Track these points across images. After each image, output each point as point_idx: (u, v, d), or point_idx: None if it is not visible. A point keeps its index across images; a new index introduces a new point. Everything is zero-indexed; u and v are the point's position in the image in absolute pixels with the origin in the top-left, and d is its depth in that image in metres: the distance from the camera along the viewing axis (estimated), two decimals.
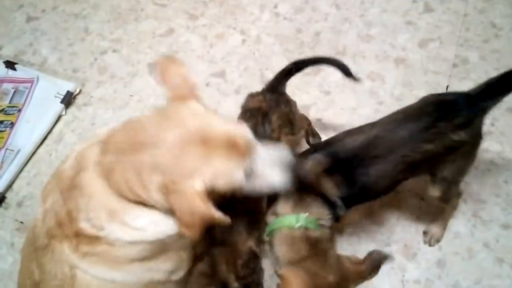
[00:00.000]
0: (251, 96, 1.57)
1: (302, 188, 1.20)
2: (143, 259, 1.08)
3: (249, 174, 1.04)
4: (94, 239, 1.03)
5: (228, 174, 1.00)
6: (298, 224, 1.16)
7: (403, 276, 1.59)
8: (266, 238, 1.25)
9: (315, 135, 1.87)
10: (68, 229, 1.04)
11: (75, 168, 1.08)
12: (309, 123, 1.83)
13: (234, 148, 1.00)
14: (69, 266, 1.05)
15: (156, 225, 1.05)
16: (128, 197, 1.01)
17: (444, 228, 1.63)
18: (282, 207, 1.21)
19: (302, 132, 1.76)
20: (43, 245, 1.07)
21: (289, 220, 1.17)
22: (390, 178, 1.25)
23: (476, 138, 1.28)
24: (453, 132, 1.19)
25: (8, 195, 1.92)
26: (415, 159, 1.21)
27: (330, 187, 1.20)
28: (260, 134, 1.39)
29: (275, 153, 1.13)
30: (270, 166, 1.10)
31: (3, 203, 1.89)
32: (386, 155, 1.20)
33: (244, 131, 1.05)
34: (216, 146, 0.98)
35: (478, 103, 1.22)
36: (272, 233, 1.20)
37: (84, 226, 1.03)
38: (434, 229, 1.62)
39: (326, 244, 1.17)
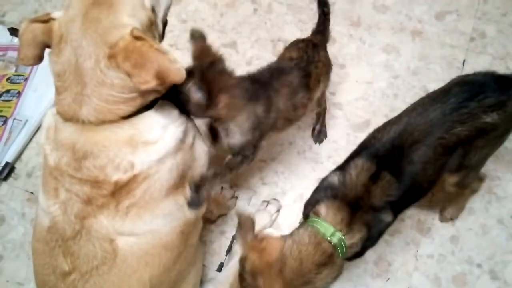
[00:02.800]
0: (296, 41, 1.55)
1: (352, 203, 1.12)
2: (175, 186, 1.12)
3: None
4: (132, 183, 1.04)
5: (138, 4, 1.03)
6: (331, 239, 1.08)
7: (417, 251, 1.60)
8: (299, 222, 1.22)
9: (322, 132, 1.83)
10: (100, 198, 1.03)
11: (66, 153, 1.05)
12: (325, 109, 1.79)
13: None
14: (109, 240, 1.05)
15: (167, 128, 1.09)
16: (125, 111, 1.03)
17: (461, 210, 1.61)
18: (326, 212, 1.12)
19: (314, 109, 1.72)
20: (74, 233, 1.06)
21: (325, 228, 1.09)
22: (433, 164, 1.18)
23: (509, 122, 1.22)
24: (485, 113, 1.15)
25: (17, 165, 1.90)
26: (450, 141, 1.16)
27: (380, 195, 1.12)
28: (305, 59, 1.42)
29: None
30: None
31: (12, 174, 1.87)
32: (423, 139, 1.15)
33: None
34: None
35: (510, 86, 1.17)
36: (306, 223, 1.14)
37: (118, 176, 1.03)
38: (451, 210, 1.60)
39: (332, 271, 1.10)
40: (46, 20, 1.03)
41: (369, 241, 1.16)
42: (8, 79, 2.05)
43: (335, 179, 1.17)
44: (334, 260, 1.08)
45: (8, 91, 2.01)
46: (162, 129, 1.08)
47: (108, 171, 1.03)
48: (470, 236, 1.60)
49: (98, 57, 0.97)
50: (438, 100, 1.19)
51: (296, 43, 1.51)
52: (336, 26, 2.09)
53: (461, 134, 1.16)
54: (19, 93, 2.01)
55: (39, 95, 2.00)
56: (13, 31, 2.15)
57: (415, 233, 1.62)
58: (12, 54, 2.11)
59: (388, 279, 1.56)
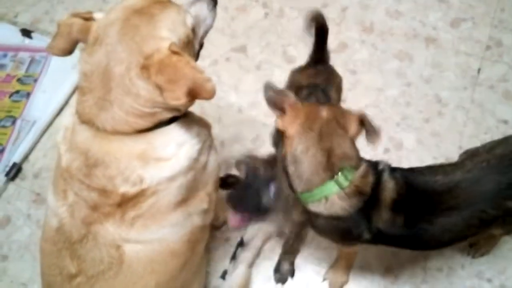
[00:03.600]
0: (299, 71, 1.49)
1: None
2: (183, 200, 1.09)
3: (193, 17, 1.09)
4: (140, 197, 1.02)
5: (179, 19, 1.03)
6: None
7: (425, 263, 1.56)
8: None
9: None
10: (106, 206, 1.02)
11: (79, 156, 1.03)
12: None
13: (165, 3, 1.05)
14: (115, 247, 1.04)
15: (182, 146, 1.07)
16: (142, 126, 1.01)
17: (494, 246, 1.53)
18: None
19: None
20: (80, 237, 1.05)
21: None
22: (454, 234, 1.10)
23: None
24: None
25: (24, 166, 1.90)
26: (492, 216, 1.06)
27: (386, 219, 1.07)
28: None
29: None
30: (200, 10, 1.15)
31: (19, 174, 1.87)
32: (462, 208, 1.06)
33: None
34: (149, 6, 1.01)
35: None
36: None
37: (126, 189, 1.01)
38: (484, 249, 1.53)
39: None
40: (88, 18, 1.03)
41: (334, 226, 1.10)
42: (18, 79, 2.05)
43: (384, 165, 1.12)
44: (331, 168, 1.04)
45: (18, 91, 2.02)
46: (178, 147, 1.06)
47: (116, 182, 1.01)
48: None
49: (130, 64, 0.96)
50: (495, 168, 1.08)
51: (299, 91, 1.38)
52: (348, 32, 2.07)
53: (510, 210, 1.06)
54: (28, 94, 2.01)
55: (48, 96, 2.00)
56: (25, 32, 2.16)
57: None
58: (23, 55, 2.12)
59: None
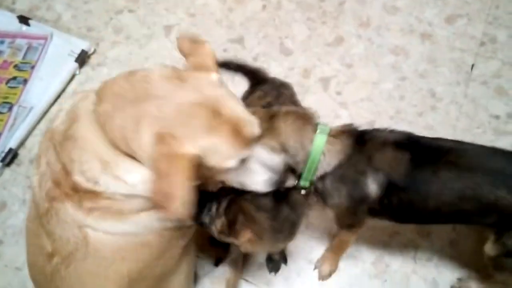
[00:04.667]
0: (246, 97, 1.47)
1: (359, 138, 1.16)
2: (149, 209, 1.05)
3: (239, 166, 1.02)
4: (94, 195, 1.00)
5: (222, 155, 0.97)
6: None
7: (416, 254, 1.58)
8: None
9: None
10: (66, 186, 1.01)
11: (67, 122, 1.04)
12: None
13: (238, 134, 0.97)
14: (77, 227, 1.02)
15: (144, 184, 1.00)
16: (120, 147, 0.98)
17: None
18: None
19: None
20: (45, 211, 1.04)
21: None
22: (453, 198, 1.10)
23: None
24: None
25: (20, 152, 1.90)
26: (485, 197, 1.08)
27: (387, 158, 1.12)
28: None
29: (269, 158, 1.12)
30: (260, 169, 1.08)
31: (15, 160, 1.88)
32: (463, 168, 1.09)
33: (254, 123, 1.02)
34: (223, 123, 0.95)
35: None
36: None
37: (79, 179, 1.00)
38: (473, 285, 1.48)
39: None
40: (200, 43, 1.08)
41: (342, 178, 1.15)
42: (15, 66, 2.06)
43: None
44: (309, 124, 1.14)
45: (14, 78, 2.02)
46: (142, 181, 1.00)
47: (74, 168, 1.00)
48: (470, 243, 1.58)
49: (159, 120, 0.93)
50: (506, 156, 1.13)
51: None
52: (345, 26, 2.09)
53: (501, 201, 1.07)
54: (25, 81, 2.02)
55: (45, 84, 2.01)
56: (23, 19, 2.16)
57: (414, 236, 1.61)
58: (21, 41, 2.12)
59: (386, 280, 1.55)
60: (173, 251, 1.20)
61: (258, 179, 1.08)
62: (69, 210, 1.01)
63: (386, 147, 1.14)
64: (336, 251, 1.54)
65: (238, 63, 1.57)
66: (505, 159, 1.12)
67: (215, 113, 0.94)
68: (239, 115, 0.98)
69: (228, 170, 1.02)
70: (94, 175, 0.99)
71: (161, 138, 0.92)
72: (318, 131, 1.13)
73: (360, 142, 1.15)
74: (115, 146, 0.99)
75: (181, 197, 0.90)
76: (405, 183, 1.12)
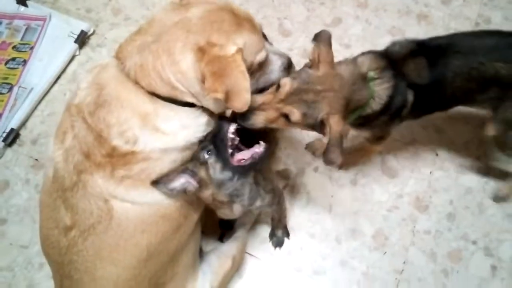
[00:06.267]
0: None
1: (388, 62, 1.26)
2: (182, 162, 1.10)
3: (266, 59, 1.13)
4: (130, 158, 1.03)
5: (256, 48, 1.07)
6: (368, 73, 1.22)
7: (414, 226, 1.63)
8: None
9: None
10: (98, 155, 1.03)
11: (94, 92, 1.05)
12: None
13: (256, 28, 1.08)
14: (103, 200, 1.04)
15: (185, 129, 1.08)
16: (160, 91, 1.03)
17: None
18: (367, 59, 1.26)
19: None
20: (71, 184, 1.05)
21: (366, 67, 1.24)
22: (463, 80, 1.27)
23: None
24: None
25: (22, 132, 1.91)
26: (488, 73, 1.24)
27: (412, 69, 1.25)
28: None
29: (276, 48, 1.23)
30: (275, 56, 1.18)
31: (17, 140, 1.89)
32: (466, 53, 1.25)
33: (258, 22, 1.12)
34: (243, 20, 1.05)
35: None
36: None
37: (118, 143, 1.02)
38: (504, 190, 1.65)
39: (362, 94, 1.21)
40: None
41: (388, 108, 1.25)
42: (14, 47, 2.05)
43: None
44: (365, 85, 1.21)
45: (14, 59, 2.02)
46: (181, 127, 1.07)
47: (112, 132, 1.02)
48: (466, 214, 1.64)
49: (192, 38, 0.99)
50: (496, 34, 1.32)
51: None
52: (343, 7, 2.11)
53: (500, 72, 1.24)
54: (24, 61, 2.01)
55: (44, 64, 2.00)
56: (20, 0, 2.15)
57: (412, 210, 1.66)
58: (19, 22, 2.11)
59: (385, 252, 1.60)
60: (187, 226, 1.23)
61: (275, 67, 1.19)
62: (98, 181, 1.03)
63: (408, 60, 1.27)
64: (357, 155, 1.67)
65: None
66: (495, 37, 1.31)
67: (234, 14, 1.04)
68: (247, 12, 1.09)
69: (260, 66, 1.12)
70: (134, 134, 1.03)
71: (201, 51, 0.97)
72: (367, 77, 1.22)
73: (393, 67, 1.25)
74: (154, 92, 1.03)
75: (246, 88, 0.99)
76: (429, 81, 1.26)
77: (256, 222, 1.67)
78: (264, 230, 1.66)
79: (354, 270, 1.58)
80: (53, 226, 1.10)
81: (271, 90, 1.15)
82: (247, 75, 0.99)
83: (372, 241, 1.62)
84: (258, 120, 1.12)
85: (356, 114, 1.23)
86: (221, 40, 0.99)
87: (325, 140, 1.13)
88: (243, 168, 1.12)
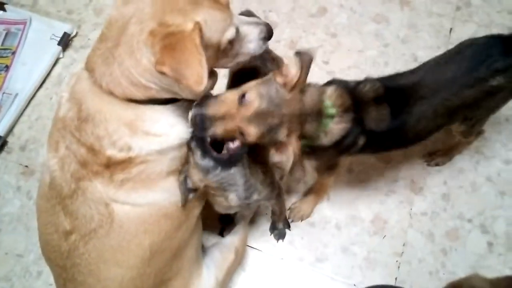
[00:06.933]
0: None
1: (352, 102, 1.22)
2: (177, 170, 1.09)
3: (237, 35, 1.04)
4: (128, 163, 1.02)
5: (220, 26, 0.98)
6: (327, 107, 1.18)
7: (411, 209, 1.66)
8: None
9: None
10: (95, 164, 1.02)
11: (74, 106, 1.03)
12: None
13: (219, 3, 0.99)
14: (104, 204, 1.04)
15: (175, 127, 1.05)
16: (136, 95, 0.99)
17: (450, 159, 1.71)
18: (333, 93, 1.22)
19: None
20: (70, 192, 1.04)
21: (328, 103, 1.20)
22: (429, 121, 1.26)
23: None
24: (492, 78, 1.20)
25: (9, 139, 1.86)
26: (454, 104, 1.23)
27: (373, 117, 1.21)
28: None
29: (254, 21, 1.13)
30: (249, 27, 1.09)
31: (5, 147, 1.84)
32: (430, 97, 1.22)
33: None
34: None
35: None
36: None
37: (112, 152, 1.01)
38: (439, 158, 1.71)
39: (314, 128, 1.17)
40: None
41: (337, 145, 1.22)
42: None
43: (351, 82, 1.29)
44: (320, 119, 1.16)
45: None
46: (169, 126, 1.06)
47: (104, 144, 1.01)
48: (460, 194, 1.68)
49: (145, 28, 0.92)
50: (451, 62, 1.26)
51: None
52: None
53: (468, 98, 1.22)
54: (7, 67, 1.96)
55: (28, 68, 1.96)
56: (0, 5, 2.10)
57: (408, 193, 1.68)
58: None
59: (385, 236, 1.62)
60: (189, 222, 1.23)
61: (252, 36, 1.09)
62: (98, 187, 1.02)
63: (371, 107, 1.22)
64: (317, 194, 1.63)
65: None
66: (454, 65, 1.25)
67: None
68: None
69: (231, 43, 1.03)
70: (125, 142, 1.00)
71: (153, 34, 0.90)
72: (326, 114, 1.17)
73: (355, 109, 1.20)
74: (131, 99, 0.99)
75: (200, 62, 0.89)
76: (388, 129, 1.23)
77: (255, 214, 1.67)
78: (264, 222, 1.66)
79: (356, 256, 1.60)
80: (52, 231, 1.09)
81: (234, 98, 1.06)
82: (201, 50, 0.90)
83: (371, 226, 1.64)
84: (218, 131, 1.04)
85: (305, 142, 1.19)
86: (177, 20, 0.91)
87: (280, 158, 1.12)
88: (221, 160, 1.09)
